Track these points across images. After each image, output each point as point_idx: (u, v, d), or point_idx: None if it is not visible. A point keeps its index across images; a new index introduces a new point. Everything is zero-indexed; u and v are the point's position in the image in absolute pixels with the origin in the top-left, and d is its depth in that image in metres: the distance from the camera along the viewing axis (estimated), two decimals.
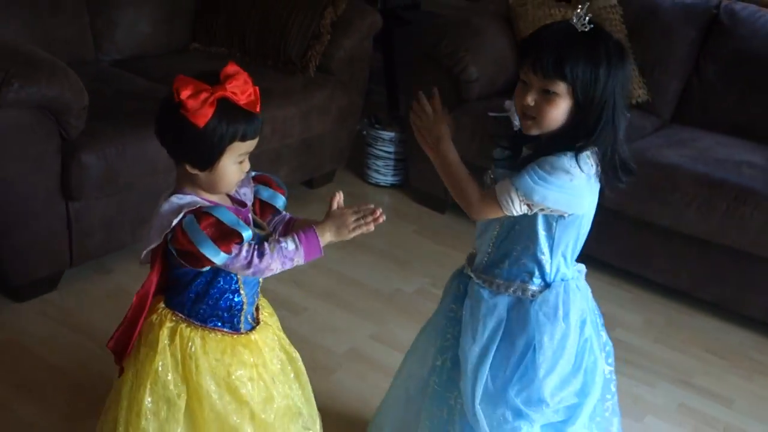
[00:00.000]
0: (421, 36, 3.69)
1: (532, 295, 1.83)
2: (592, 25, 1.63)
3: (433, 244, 3.54)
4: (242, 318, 1.80)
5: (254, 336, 1.82)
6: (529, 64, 1.64)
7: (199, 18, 3.73)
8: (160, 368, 1.72)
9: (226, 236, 1.57)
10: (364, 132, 3.98)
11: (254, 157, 1.77)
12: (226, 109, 1.57)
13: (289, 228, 1.83)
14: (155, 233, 1.62)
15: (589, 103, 1.64)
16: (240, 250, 1.61)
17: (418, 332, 2.12)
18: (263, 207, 1.84)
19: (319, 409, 2.39)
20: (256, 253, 1.64)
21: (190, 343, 1.73)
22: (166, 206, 1.63)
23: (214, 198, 1.70)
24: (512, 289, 1.85)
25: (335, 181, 4.00)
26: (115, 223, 2.88)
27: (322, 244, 1.70)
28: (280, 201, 1.84)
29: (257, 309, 1.87)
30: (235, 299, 1.75)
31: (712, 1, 3.76)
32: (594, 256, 3.34)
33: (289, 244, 1.67)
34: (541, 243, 1.79)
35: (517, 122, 1.80)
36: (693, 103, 3.72)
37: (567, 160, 1.68)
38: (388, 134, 3.91)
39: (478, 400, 1.84)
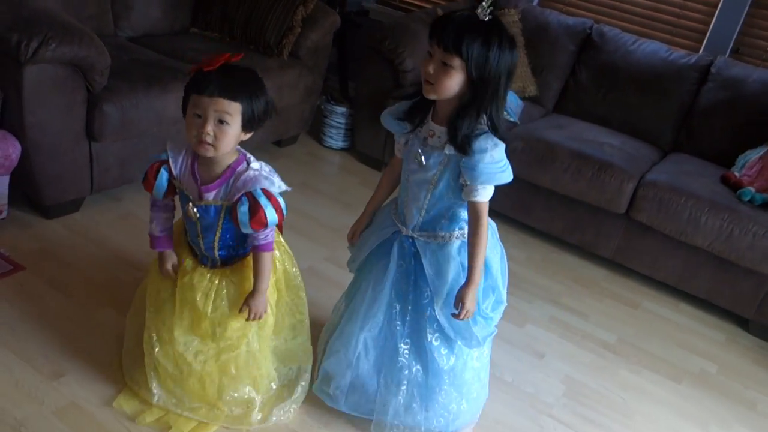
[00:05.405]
0: (370, 35, 3.62)
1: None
2: (492, 17, 1.55)
3: (371, 192, 3.49)
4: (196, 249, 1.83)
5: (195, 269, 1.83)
6: (435, 40, 1.55)
7: (198, 7, 3.58)
8: None
9: (145, 177, 1.73)
10: (323, 106, 3.91)
11: None
12: (196, 73, 1.59)
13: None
14: None
15: (479, 79, 1.55)
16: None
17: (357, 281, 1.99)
18: (233, 213, 1.69)
19: None
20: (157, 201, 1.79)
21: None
22: None
23: (201, 159, 1.70)
24: (455, 236, 1.78)
25: (298, 143, 3.93)
26: (128, 162, 2.76)
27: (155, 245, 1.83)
28: (244, 228, 1.68)
29: (218, 262, 1.83)
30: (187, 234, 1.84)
31: (587, 23, 3.79)
32: (492, 207, 3.35)
33: (154, 228, 1.82)
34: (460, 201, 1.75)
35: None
36: (569, 98, 3.75)
37: (488, 140, 1.61)
38: (340, 109, 3.85)
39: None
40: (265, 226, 1.66)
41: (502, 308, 1.89)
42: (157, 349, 1.83)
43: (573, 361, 2.51)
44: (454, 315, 1.74)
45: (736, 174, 3.08)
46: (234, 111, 1.58)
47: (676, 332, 2.85)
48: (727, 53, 3.67)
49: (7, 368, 1.92)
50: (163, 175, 1.72)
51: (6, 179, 2.44)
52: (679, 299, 3.09)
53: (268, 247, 1.75)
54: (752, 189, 2.92)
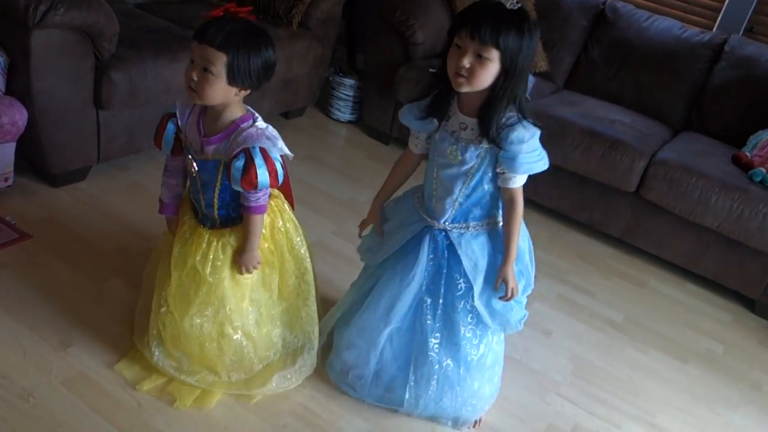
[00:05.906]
0: (380, 6, 3.55)
1: (500, 221, 1.77)
2: (519, 5, 1.52)
3: (379, 166, 3.42)
4: (196, 208, 1.82)
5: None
6: (468, 32, 1.51)
7: None
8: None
9: (156, 131, 1.77)
10: (331, 78, 3.85)
11: None
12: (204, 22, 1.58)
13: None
14: None
15: (512, 68, 1.53)
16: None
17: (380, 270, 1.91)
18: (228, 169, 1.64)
19: None
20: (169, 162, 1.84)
21: None
22: None
23: (208, 112, 1.70)
24: (486, 224, 1.76)
25: (305, 115, 3.88)
26: (135, 131, 2.72)
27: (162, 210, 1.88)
28: (235, 184, 1.63)
29: (217, 222, 1.80)
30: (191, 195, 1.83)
31: None
32: None
33: (164, 194, 1.86)
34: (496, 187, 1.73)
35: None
36: (581, 74, 3.69)
37: (525, 130, 1.59)
38: (349, 81, 3.79)
39: (491, 304, 1.78)
40: (255, 187, 1.61)
41: (530, 291, 1.87)
42: (160, 312, 1.82)
43: (580, 340, 2.49)
44: (502, 298, 1.75)
45: (748, 154, 3.04)
46: (218, 60, 1.53)
47: (682, 312, 2.83)
48: (741, 32, 3.60)
49: (15, 338, 1.90)
50: (170, 128, 1.74)
51: (12, 146, 2.39)
52: (686, 279, 3.06)
53: (258, 210, 1.70)
54: (763, 170, 2.88)
